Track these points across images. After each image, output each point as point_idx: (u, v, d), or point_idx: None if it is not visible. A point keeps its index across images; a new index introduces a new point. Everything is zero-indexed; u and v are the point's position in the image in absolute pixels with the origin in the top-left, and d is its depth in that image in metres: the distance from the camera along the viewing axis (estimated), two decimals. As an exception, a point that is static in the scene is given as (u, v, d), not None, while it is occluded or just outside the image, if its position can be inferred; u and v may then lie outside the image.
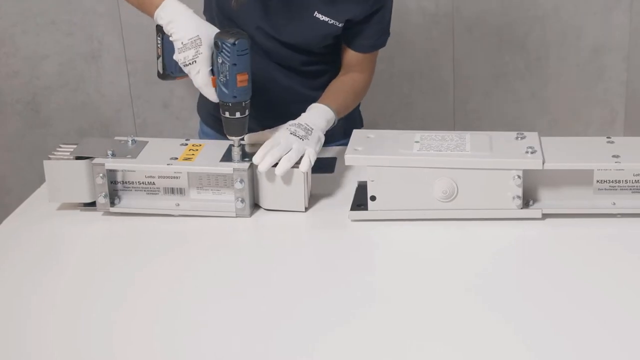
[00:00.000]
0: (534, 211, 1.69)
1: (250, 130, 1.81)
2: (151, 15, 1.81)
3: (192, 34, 1.75)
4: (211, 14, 2.03)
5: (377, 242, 1.68)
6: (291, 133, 1.79)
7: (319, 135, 1.83)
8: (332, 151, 2.00)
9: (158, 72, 1.86)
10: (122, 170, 1.78)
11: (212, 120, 2.15)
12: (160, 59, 1.84)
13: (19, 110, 3.08)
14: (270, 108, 2.02)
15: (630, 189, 1.68)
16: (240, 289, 1.54)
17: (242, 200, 1.75)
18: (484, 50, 3.01)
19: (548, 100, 3.07)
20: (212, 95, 1.76)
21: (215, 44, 1.73)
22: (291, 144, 1.76)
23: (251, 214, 1.77)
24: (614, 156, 1.68)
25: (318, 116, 1.88)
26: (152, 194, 1.79)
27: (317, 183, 1.82)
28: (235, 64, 1.71)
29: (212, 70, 1.76)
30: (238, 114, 1.75)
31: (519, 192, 1.67)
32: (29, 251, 1.68)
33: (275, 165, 1.74)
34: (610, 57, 3.00)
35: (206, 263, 1.63)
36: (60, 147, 1.81)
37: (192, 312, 1.46)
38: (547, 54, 3.01)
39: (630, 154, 1.69)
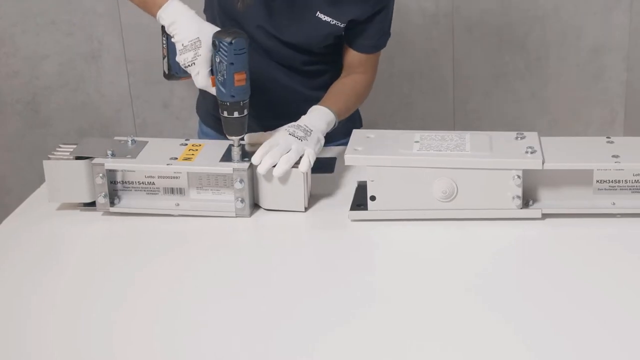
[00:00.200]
0: (533, 211, 1.69)
1: (251, 130, 1.81)
2: (154, 15, 1.82)
3: (192, 36, 1.75)
4: (212, 12, 2.03)
5: (377, 242, 1.68)
6: (290, 134, 1.79)
7: (318, 137, 1.83)
8: (331, 151, 2.00)
9: (164, 72, 1.87)
10: (121, 170, 1.78)
11: (212, 120, 2.15)
12: (166, 59, 1.85)
13: (19, 110, 3.08)
14: (271, 107, 2.02)
15: (630, 189, 1.68)
16: (240, 289, 1.54)
17: (242, 200, 1.75)
18: (484, 50, 3.01)
19: (548, 100, 3.07)
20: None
21: (213, 43, 1.73)
22: (290, 145, 1.76)
23: (251, 214, 1.77)
24: (613, 156, 1.68)
25: (318, 118, 1.88)
26: (152, 194, 1.79)
27: (316, 183, 1.82)
28: (232, 63, 1.71)
29: (212, 71, 1.76)
30: (236, 114, 1.75)
31: (519, 192, 1.67)
32: (29, 251, 1.68)
33: (275, 166, 1.74)
34: (610, 57, 3.00)
35: (206, 263, 1.63)
36: (60, 147, 1.81)
37: (192, 312, 1.46)
38: (547, 54, 3.01)
39: (630, 154, 1.69)
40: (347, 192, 1.82)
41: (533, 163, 1.66)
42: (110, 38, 3.01)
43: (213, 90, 1.78)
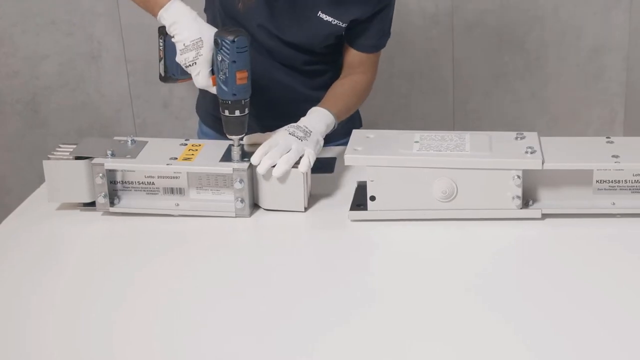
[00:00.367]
0: (533, 211, 1.69)
1: (251, 129, 1.81)
2: (155, 15, 1.82)
3: (194, 35, 1.76)
4: (213, 11, 2.04)
5: (377, 242, 1.68)
6: (290, 133, 1.79)
7: (317, 138, 1.83)
8: (331, 151, 2.00)
9: (160, 74, 1.87)
10: (121, 170, 1.78)
11: (212, 120, 2.15)
12: (162, 61, 1.85)
13: (18, 110, 3.08)
14: (271, 107, 2.02)
15: (629, 189, 1.68)
16: (240, 289, 1.54)
17: (242, 200, 1.75)
18: (483, 50, 3.01)
19: (548, 100, 3.07)
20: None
21: (215, 41, 1.73)
22: (290, 145, 1.76)
23: (251, 214, 1.77)
24: (613, 156, 1.68)
25: (318, 120, 1.88)
26: (152, 194, 1.79)
27: (316, 183, 1.82)
28: (234, 62, 1.71)
29: (212, 71, 1.76)
30: (237, 112, 1.75)
31: (519, 192, 1.67)
32: (29, 251, 1.68)
33: (274, 166, 1.74)
34: (610, 57, 3.00)
35: (206, 263, 1.63)
36: (59, 147, 1.81)
37: (192, 312, 1.46)
38: (547, 54, 3.01)
39: (630, 154, 1.69)
40: (346, 192, 1.82)
41: (533, 163, 1.66)
42: (110, 38, 3.01)
43: (214, 90, 1.78)
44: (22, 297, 1.52)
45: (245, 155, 1.77)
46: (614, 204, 1.69)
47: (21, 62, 3.03)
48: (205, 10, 2.07)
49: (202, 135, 2.22)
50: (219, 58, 1.73)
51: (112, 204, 1.78)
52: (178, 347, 1.36)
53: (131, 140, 1.83)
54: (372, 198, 1.71)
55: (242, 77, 1.73)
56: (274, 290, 1.52)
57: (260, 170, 1.74)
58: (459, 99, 3.07)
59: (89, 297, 1.51)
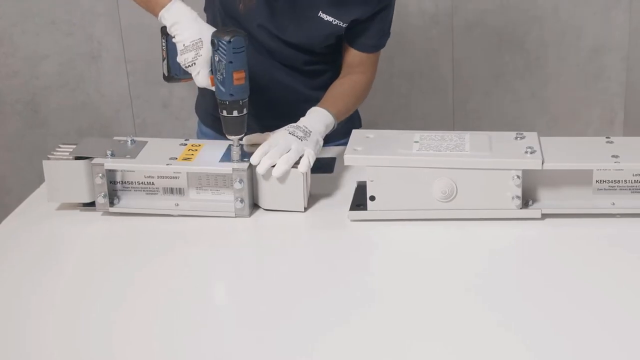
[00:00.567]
0: (533, 211, 1.69)
1: (250, 129, 1.81)
2: (156, 15, 1.82)
3: (194, 36, 1.76)
4: (213, 11, 2.04)
5: (377, 242, 1.68)
6: (290, 133, 1.79)
7: (317, 139, 1.83)
8: (331, 151, 2.00)
9: (163, 74, 1.88)
10: (121, 170, 1.78)
11: (211, 120, 2.15)
12: (165, 61, 1.85)
13: (18, 110, 3.08)
14: (271, 107, 2.02)
15: (629, 189, 1.68)
16: (240, 289, 1.54)
17: (242, 200, 1.75)
18: (483, 50, 3.01)
19: (547, 100, 3.07)
20: None
21: (212, 42, 1.73)
22: (290, 145, 1.76)
23: (250, 214, 1.77)
24: (613, 156, 1.68)
25: (317, 120, 1.88)
26: (152, 194, 1.79)
27: (316, 183, 1.82)
28: (231, 62, 1.72)
29: (212, 71, 1.76)
30: (236, 113, 1.75)
31: (519, 192, 1.67)
32: (29, 251, 1.68)
33: (274, 166, 1.74)
34: (610, 57, 3.00)
35: (205, 263, 1.63)
36: (59, 147, 1.81)
37: (192, 312, 1.46)
38: (547, 54, 3.01)
39: (630, 154, 1.69)
40: (346, 192, 1.82)
41: (532, 163, 1.66)
42: (110, 38, 3.01)
43: (212, 89, 1.78)
44: (22, 297, 1.52)
45: (245, 155, 1.77)
46: (613, 204, 1.69)
47: (21, 62, 3.03)
48: (205, 9, 2.08)
49: (201, 135, 2.22)
50: (216, 58, 1.73)
51: (111, 204, 1.78)
52: (178, 347, 1.36)
53: (131, 141, 1.83)
54: (372, 198, 1.71)
55: (239, 77, 1.73)
56: (273, 290, 1.52)
57: (260, 170, 1.74)
58: (458, 99, 3.07)
59: (88, 297, 1.51)
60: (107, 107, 3.09)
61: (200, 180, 1.77)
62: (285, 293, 1.51)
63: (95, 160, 1.76)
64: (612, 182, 1.68)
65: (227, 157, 1.78)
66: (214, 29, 1.77)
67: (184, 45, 1.77)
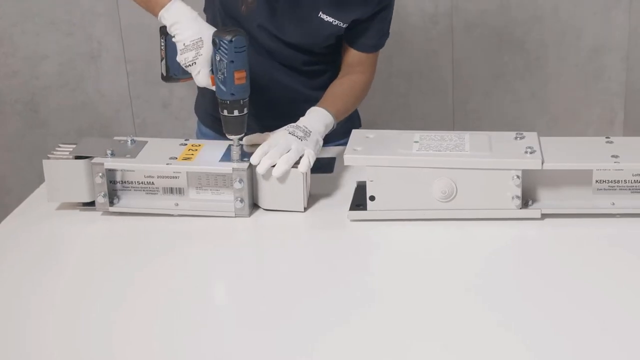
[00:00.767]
0: (533, 211, 1.69)
1: (250, 129, 1.81)
2: (156, 15, 1.82)
3: (194, 35, 1.76)
4: (213, 11, 2.04)
5: (376, 242, 1.68)
6: (290, 133, 1.79)
7: (317, 138, 1.83)
8: (331, 151, 2.00)
9: (162, 74, 1.88)
10: (121, 170, 1.78)
11: (211, 120, 2.15)
12: (164, 61, 1.85)
13: (18, 110, 3.08)
14: (271, 107, 2.02)
15: (629, 189, 1.69)
16: (240, 289, 1.54)
17: (241, 200, 1.75)
18: (483, 50, 3.01)
19: (547, 101, 3.07)
20: None
21: (213, 41, 1.73)
22: (290, 144, 1.76)
23: (250, 213, 1.77)
24: (613, 156, 1.68)
25: (317, 120, 1.88)
26: (151, 193, 1.79)
27: (316, 183, 1.82)
28: (232, 61, 1.72)
29: (212, 70, 1.76)
30: (236, 112, 1.75)
31: (518, 192, 1.67)
32: (29, 251, 1.68)
33: (274, 166, 1.74)
34: (610, 57, 3.00)
35: (205, 263, 1.63)
36: (59, 147, 1.81)
37: (192, 312, 1.46)
38: (547, 54, 3.01)
39: (630, 154, 1.69)
40: (346, 192, 1.82)
41: (532, 163, 1.66)
42: (110, 38, 3.01)
43: (212, 89, 1.78)
44: (21, 297, 1.52)
45: (245, 155, 1.77)
46: (613, 204, 1.69)
47: (21, 62, 3.03)
48: (205, 10, 2.08)
49: (201, 135, 2.22)
50: (217, 58, 1.73)
51: (111, 203, 1.78)
52: (178, 347, 1.36)
53: (131, 140, 1.83)
54: (372, 198, 1.71)
55: (240, 77, 1.73)
56: (273, 290, 1.52)
57: (260, 170, 1.74)
58: (458, 99, 3.07)
59: (88, 297, 1.51)
60: (106, 107, 3.09)
61: (200, 180, 1.77)
62: (285, 293, 1.51)
63: (95, 160, 1.76)
64: (611, 182, 1.68)
65: (227, 157, 1.78)
66: (214, 29, 1.77)
67: (184, 44, 1.77)
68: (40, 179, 1.83)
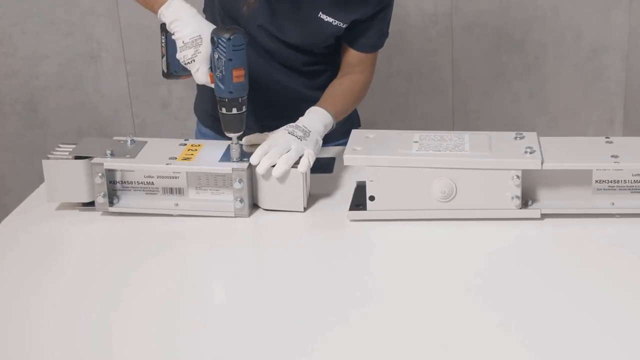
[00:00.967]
0: (532, 211, 1.69)
1: (250, 129, 1.81)
2: (155, 12, 1.82)
3: (194, 33, 1.76)
4: (212, 12, 2.04)
5: (376, 242, 1.68)
6: (289, 133, 1.79)
7: (317, 139, 1.83)
8: (330, 151, 2.00)
9: (162, 71, 1.88)
10: (121, 170, 1.78)
11: (210, 120, 2.15)
12: (164, 57, 1.86)
13: (18, 110, 3.08)
14: (270, 107, 2.02)
15: (629, 189, 1.68)
16: (239, 289, 1.54)
17: (241, 200, 1.75)
18: (482, 50, 3.01)
19: (547, 101, 3.07)
20: None
21: (212, 39, 1.73)
22: (290, 144, 1.76)
23: (250, 214, 1.77)
24: (612, 156, 1.68)
25: (316, 120, 1.88)
26: (151, 193, 1.79)
27: (315, 183, 1.82)
28: (230, 59, 1.72)
29: (212, 68, 1.77)
30: (235, 110, 1.75)
31: (518, 192, 1.67)
32: (28, 251, 1.68)
33: (274, 166, 1.74)
34: (609, 57, 3.00)
35: (205, 263, 1.63)
36: (59, 147, 1.81)
37: (191, 312, 1.46)
38: (546, 54, 3.01)
39: (629, 154, 1.69)
40: (346, 192, 1.82)
41: (532, 163, 1.66)
42: (110, 38, 3.01)
43: (210, 87, 1.78)
44: (21, 297, 1.52)
45: (245, 155, 1.77)
46: (613, 204, 1.69)
47: (21, 62, 3.03)
48: (204, 10, 2.07)
49: (200, 135, 2.21)
50: (216, 56, 1.73)
51: (111, 203, 1.78)
52: (177, 347, 1.36)
53: (130, 140, 1.83)
54: (372, 198, 1.71)
55: (238, 75, 1.73)
56: (273, 290, 1.52)
57: (260, 170, 1.74)
58: (458, 99, 3.07)
59: (88, 297, 1.51)
60: (106, 107, 3.09)
61: (200, 180, 1.77)
62: (284, 293, 1.51)
63: (94, 160, 1.76)
64: (611, 182, 1.68)
65: (226, 157, 1.78)
66: (213, 26, 1.77)
67: (183, 42, 1.77)
68: (40, 179, 1.83)
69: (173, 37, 1.80)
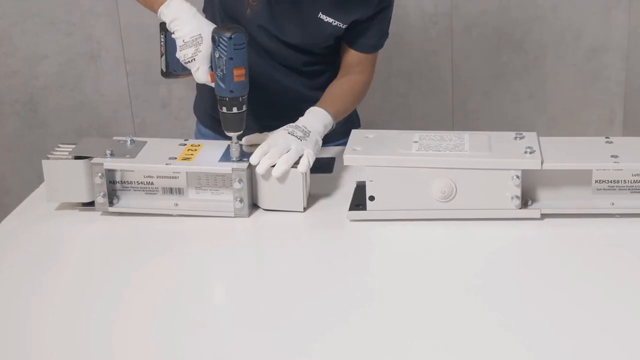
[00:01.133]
0: (532, 211, 1.69)
1: (249, 129, 1.81)
2: (155, 11, 1.83)
3: (194, 32, 1.76)
4: (212, 12, 2.04)
5: (376, 242, 1.68)
6: (289, 133, 1.79)
7: (316, 139, 1.83)
8: (330, 151, 2.00)
9: (162, 70, 1.88)
10: (120, 170, 1.77)
11: (210, 120, 2.15)
12: (164, 57, 1.86)
13: (17, 110, 3.08)
14: (270, 107, 2.02)
15: (629, 189, 1.68)
16: (239, 289, 1.54)
17: (241, 200, 1.75)
18: (482, 50, 3.01)
19: (547, 100, 3.07)
20: None
21: (213, 38, 1.73)
22: (289, 145, 1.76)
23: (250, 214, 1.77)
24: (612, 156, 1.68)
25: (316, 120, 1.88)
26: (151, 193, 1.79)
27: (315, 183, 1.82)
28: (231, 58, 1.72)
29: (212, 67, 1.76)
30: (235, 109, 1.75)
31: (518, 192, 1.67)
32: (28, 251, 1.68)
33: (274, 166, 1.74)
34: (609, 57, 3.00)
35: (205, 263, 1.63)
36: (58, 147, 1.81)
37: (191, 312, 1.46)
38: (546, 54, 3.01)
39: (629, 154, 1.69)
40: (345, 192, 1.82)
41: (532, 163, 1.66)
42: (109, 38, 3.01)
43: (211, 86, 1.78)
44: (21, 297, 1.52)
45: (244, 155, 1.77)
46: (613, 204, 1.69)
47: (20, 62, 3.03)
48: (204, 10, 2.07)
49: (199, 136, 2.21)
50: (217, 55, 1.73)
51: (111, 203, 1.77)
52: (177, 347, 1.36)
53: (130, 140, 1.83)
54: (371, 198, 1.71)
55: (239, 74, 1.73)
56: (273, 290, 1.52)
57: (260, 170, 1.74)
58: (458, 99, 3.07)
59: (88, 297, 1.51)
60: (106, 107, 3.09)
61: (200, 180, 1.77)
62: (284, 293, 1.51)
63: (94, 160, 1.76)
64: (611, 182, 1.68)
65: (226, 157, 1.78)
66: (213, 25, 1.77)
67: (183, 41, 1.77)
68: (40, 179, 1.83)
69: (173, 36, 1.80)
